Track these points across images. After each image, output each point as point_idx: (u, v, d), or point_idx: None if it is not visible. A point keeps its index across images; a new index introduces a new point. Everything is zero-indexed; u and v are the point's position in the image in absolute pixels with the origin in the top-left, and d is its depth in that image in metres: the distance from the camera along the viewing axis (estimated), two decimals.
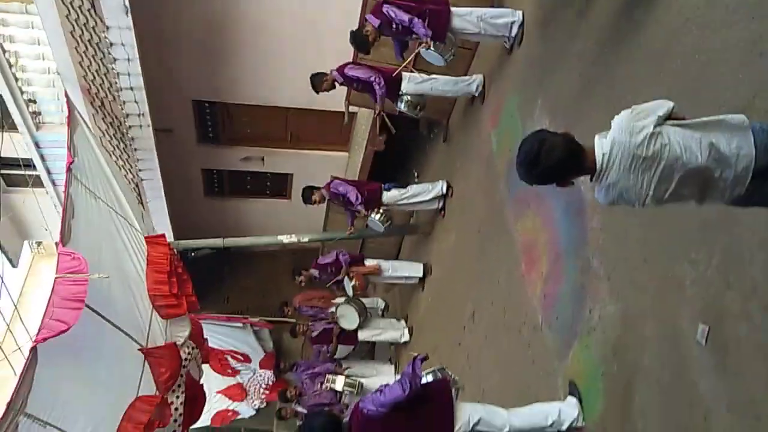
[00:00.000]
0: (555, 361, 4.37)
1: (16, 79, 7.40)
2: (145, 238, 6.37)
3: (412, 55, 5.68)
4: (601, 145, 2.15)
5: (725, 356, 2.85)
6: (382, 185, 7.16)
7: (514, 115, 5.50)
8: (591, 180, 2.21)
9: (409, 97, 6.12)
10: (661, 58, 3.46)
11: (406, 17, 5.17)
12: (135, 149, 7.96)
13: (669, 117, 2.20)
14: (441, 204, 7.35)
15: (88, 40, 6.41)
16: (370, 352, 9.56)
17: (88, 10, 6.07)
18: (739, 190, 2.14)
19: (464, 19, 5.25)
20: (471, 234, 6.37)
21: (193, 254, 7.76)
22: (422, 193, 7.26)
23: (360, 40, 5.47)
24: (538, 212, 4.85)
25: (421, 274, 7.95)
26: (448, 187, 7.20)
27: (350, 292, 7.96)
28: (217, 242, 7.85)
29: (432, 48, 5.29)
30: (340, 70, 6.10)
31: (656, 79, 3.50)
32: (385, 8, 5.22)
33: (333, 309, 8.02)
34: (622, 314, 3.65)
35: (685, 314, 3.12)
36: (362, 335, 8.24)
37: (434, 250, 7.78)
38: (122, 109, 7.29)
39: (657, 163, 2.07)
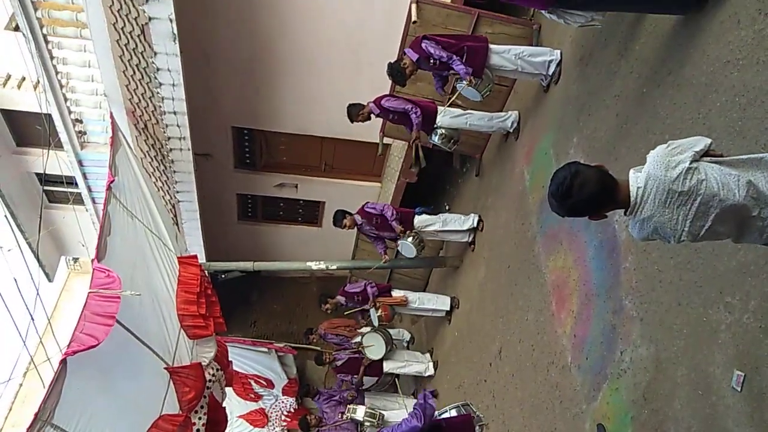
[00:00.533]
0: (583, 403, 4.26)
1: (66, 99, 7.70)
2: (178, 258, 6.49)
3: (456, 92, 5.74)
4: (636, 179, 2.13)
5: (762, 405, 2.75)
6: (415, 209, 7.22)
7: (548, 153, 5.49)
8: (625, 214, 2.19)
9: (443, 131, 6.18)
10: (702, 98, 3.44)
11: (444, 54, 5.25)
12: (174, 171, 8.16)
13: (706, 153, 2.18)
14: (471, 237, 7.33)
15: (136, 65, 6.67)
16: (393, 385, 9.45)
17: (138, 36, 6.33)
18: None
19: (502, 56, 5.31)
20: (501, 269, 6.31)
21: (223, 276, 7.86)
22: (453, 222, 7.26)
23: (397, 72, 5.57)
24: (570, 249, 4.79)
25: (448, 308, 7.88)
26: (479, 220, 7.18)
27: (376, 323, 7.93)
28: (248, 265, 7.94)
29: (470, 84, 5.35)
30: (377, 101, 6.20)
31: (696, 120, 3.48)
32: (425, 44, 5.32)
33: (359, 338, 7.99)
34: (654, 358, 3.56)
35: (719, 360, 3.03)
36: (387, 367, 8.17)
37: (462, 284, 7.72)
38: (164, 132, 7.51)
39: (693, 198, 2.04)
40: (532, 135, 6.02)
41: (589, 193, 2.14)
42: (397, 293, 7.81)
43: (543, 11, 4.12)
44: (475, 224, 7.19)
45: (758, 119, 3.03)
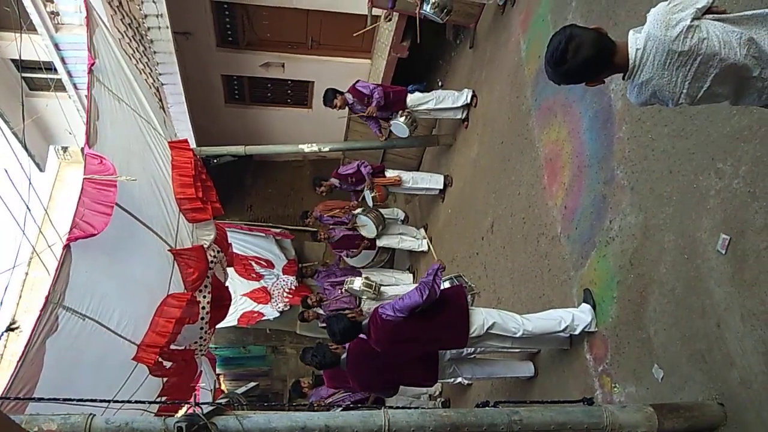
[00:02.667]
0: (571, 270, 4.44)
1: None
2: (169, 143, 6.42)
3: None
4: (636, 40, 2.05)
5: (744, 267, 2.87)
6: (407, 87, 7.08)
7: (545, 19, 5.28)
8: (624, 78, 2.13)
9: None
10: None
11: None
12: (154, 52, 7.83)
13: (709, 10, 2.09)
14: (465, 114, 7.23)
15: None
16: (389, 261, 9.76)
17: None
18: None
19: None
20: (494, 145, 6.30)
21: (215, 161, 7.82)
22: (446, 99, 7.14)
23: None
24: (565, 121, 4.76)
25: (441, 186, 7.96)
26: (473, 96, 7.05)
27: (370, 203, 8.03)
28: (239, 149, 7.88)
29: None
30: None
31: None
32: None
33: (352, 216, 8.13)
34: (643, 225, 3.65)
35: (706, 225, 3.12)
36: (381, 242, 8.40)
37: (456, 162, 7.75)
38: (140, 10, 7.11)
39: (693, 58, 1.97)
40: (529, 1, 5.75)
41: (584, 57, 2.07)
42: (390, 173, 7.84)
43: None
44: (469, 100, 7.06)
45: None
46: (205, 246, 6.04)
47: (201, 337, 6.11)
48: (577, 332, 4.07)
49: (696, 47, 1.98)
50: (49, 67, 8.73)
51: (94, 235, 4.20)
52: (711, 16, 2.07)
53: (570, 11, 4.77)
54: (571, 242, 4.49)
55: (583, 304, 4.14)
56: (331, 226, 8.41)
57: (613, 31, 4.04)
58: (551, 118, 4.99)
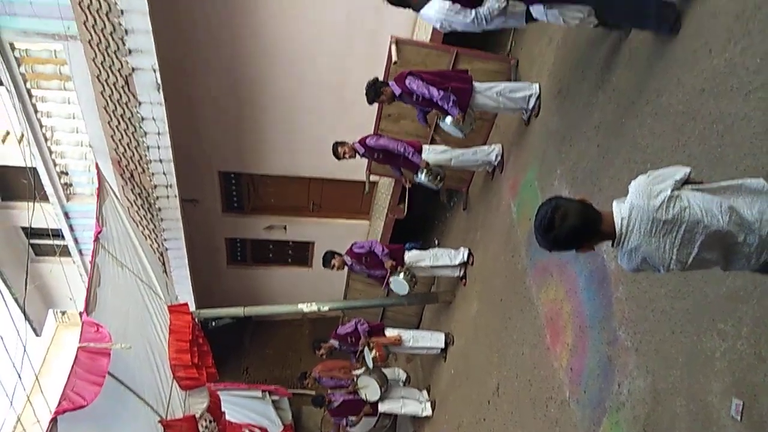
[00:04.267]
0: None
1: (51, 152, 7.71)
2: (169, 307, 6.41)
3: (439, 130, 5.74)
4: (620, 210, 2.15)
5: None
6: (404, 245, 7.21)
7: (533, 185, 5.53)
8: (612, 245, 2.19)
9: (429, 168, 6.21)
10: (681, 126, 3.49)
11: (427, 91, 5.29)
12: (161, 219, 8.13)
13: (686, 181, 2.20)
14: (462, 272, 7.31)
15: (121, 115, 6.70)
16: (392, 427, 9.26)
17: (122, 87, 6.38)
18: (766, 256, 2.10)
19: (484, 94, 5.38)
20: (493, 303, 6.28)
21: (214, 324, 7.75)
22: (444, 257, 7.25)
23: (372, 92, 5.49)
24: (561, 281, 4.79)
25: (443, 345, 7.80)
26: (470, 254, 7.18)
27: (370, 363, 7.81)
28: (238, 311, 7.84)
29: (456, 124, 5.40)
30: (362, 141, 6.24)
31: (676, 147, 3.52)
32: (408, 80, 5.34)
33: (353, 379, 7.87)
34: (652, 389, 3.52)
35: (716, 389, 3.01)
36: (382, 407, 8.02)
37: (456, 320, 7.67)
38: (151, 181, 7.51)
39: (678, 226, 2.05)
40: (516, 168, 6.08)
41: (570, 226, 2.14)
42: (390, 332, 7.72)
43: (540, 11, 4.05)
44: (466, 258, 7.18)
45: (736, 145, 3.08)
46: (197, 415, 5.77)
47: None
48: None
49: (679, 216, 2.06)
50: (57, 234, 9.00)
51: (84, 406, 4.05)
52: (690, 186, 2.19)
53: (556, 177, 5.02)
54: (581, 407, 4.30)
55: None
56: (330, 390, 8.09)
57: (598, 196, 4.24)
58: (547, 278, 5.03)
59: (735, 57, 3.13)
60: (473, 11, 4.29)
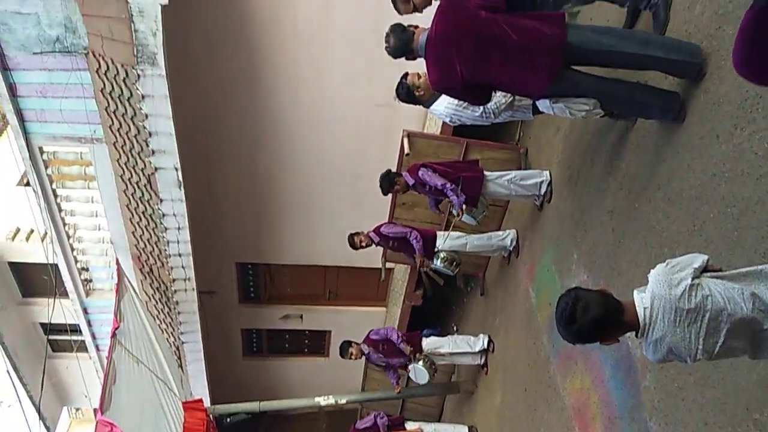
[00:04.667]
0: None
1: (73, 249, 7.86)
2: (183, 404, 6.30)
3: (453, 217, 5.84)
4: (641, 300, 2.13)
5: None
6: (422, 331, 7.10)
7: (550, 270, 5.51)
8: (636, 336, 2.16)
9: (444, 254, 6.24)
10: (695, 210, 3.50)
11: (440, 182, 5.42)
12: (178, 312, 8.13)
13: (705, 269, 2.19)
14: (483, 359, 7.14)
15: (142, 212, 6.89)
16: None
17: (144, 185, 6.59)
18: None
19: (495, 182, 5.49)
20: (517, 393, 6.09)
21: (229, 420, 7.56)
22: (463, 343, 7.12)
23: (387, 183, 5.63)
24: (586, 370, 4.66)
25: None
26: (490, 341, 7.04)
27: None
28: (254, 406, 7.66)
29: (465, 213, 5.49)
30: (377, 230, 6.32)
31: (692, 231, 3.52)
32: (421, 171, 5.51)
33: None
34: None
35: None
36: None
37: (479, 411, 7.41)
38: (169, 275, 7.58)
39: (702, 315, 2.03)
40: (532, 252, 6.07)
41: (593, 317, 2.13)
42: (411, 425, 7.46)
43: (546, 105, 4.18)
44: (486, 345, 7.03)
45: (753, 228, 3.07)
46: None
47: None
48: None
49: (702, 304, 2.05)
50: (75, 329, 9.01)
51: None
52: (709, 274, 2.18)
53: (573, 262, 5.00)
54: None
55: None
56: None
57: (617, 281, 4.20)
58: (572, 366, 4.90)
59: (743, 142, 3.19)
60: (481, 106, 4.46)
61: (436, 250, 6.26)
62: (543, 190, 5.64)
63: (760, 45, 1.32)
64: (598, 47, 3.37)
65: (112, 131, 6.12)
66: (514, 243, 6.49)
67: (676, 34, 3.63)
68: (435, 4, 3.78)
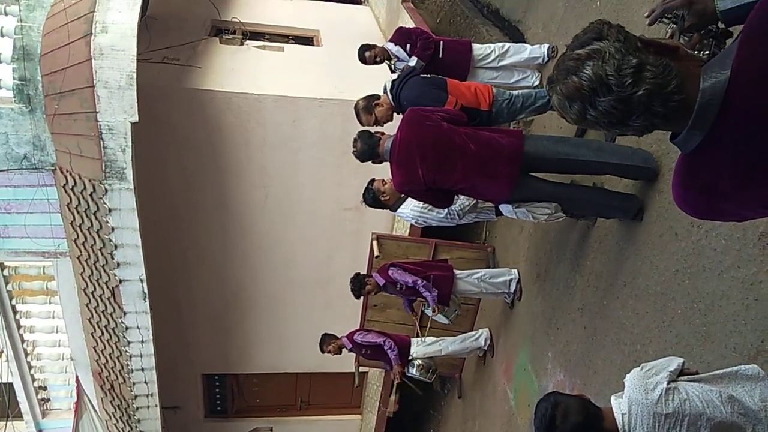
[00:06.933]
0: None
1: (30, 367, 7.48)
2: None
3: (428, 320, 5.81)
4: (619, 405, 2.12)
5: None
6: None
7: (527, 369, 5.44)
8: None
9: (420, 362, 6.13)
10: (662, 306, 3.56)
11: (410, 279, 5.44)
12: (140, 431, 7.66)
13: (681, 373, 2.19)
14: None
15: (105, 326, 6.64)
16: None
17: (108, 298, 6.41)
18: None
19: (466, 281, 5.53)
20: None
21: None
22: None
23: (357, 287, 5.62)
24: None
25: None
26: None
27: None
28: None
29: (437, 312, 5.48)
30: (350, 336, 6.21)
31: (662, 327, 3.55)
32: (391, 270, 5.53)
33: None
34: None
35: None
36: None
37: None
38: (131, 391, 7.21)
39: (681, 420, 2.01)
40: (507, 351, 6.01)
41: (573, 424, 2.11)
42: None
43: (508, 210, 4.27)
44: None
45: (720, 323, 3.12)
46: None
47: None
48: None
49: (680, 408, 2.03)
50: None
51: None
52: (685, 378, 2.18)
53: (548, 361, 4.96)
54: None
55: None
56: None
57: (593, 379, 4.17)
58: None
59: (701, 239, 3.31)
60: (445, 209, 4.58)
61: (410, 357, 6.15)
62: (513, 288, 5.69)
63: (691, 190, 1.38)
64: (554, 156, 3.56)
65: (76, 245, 6.02)
66: (489, 342, 6.43)
67: (627, 141, 3.86)
68: (397, 120, 3.98)
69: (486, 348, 6.46)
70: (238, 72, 7.05)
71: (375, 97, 4.40)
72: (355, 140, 4.08)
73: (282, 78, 7.20)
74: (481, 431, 6.64)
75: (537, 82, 5.17)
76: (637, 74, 1.23)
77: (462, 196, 4.55)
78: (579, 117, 1.32)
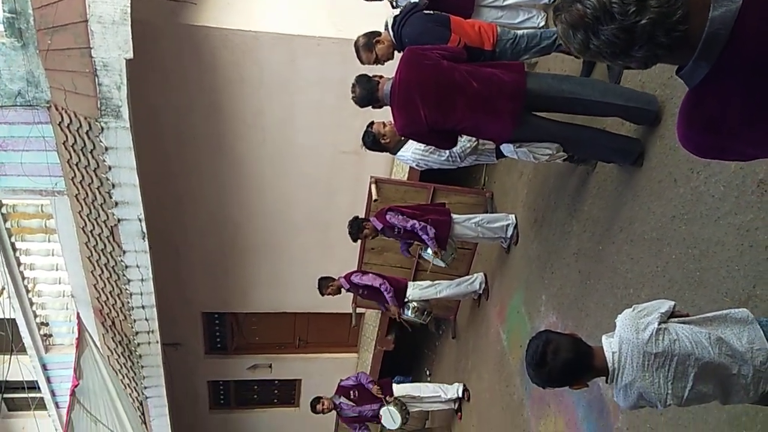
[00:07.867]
0: None
1: (32, 304, 7.59)
2: None
3: (426, 262, 5.89)
4: (610, 344, 2.17)
5: None
6: (392, 378, 7.00)
7: (520, 311, 5.55)
8: (606, 381, 2.18)
9: (415, 304, 6.24)
10: (657, 251, 3.59)
11: (408, 223, 5.47)
12: (142, 366, 7.85)
13: (672, 315, 2.24)
14: (457, 405, 7.06)
15: (104, 264, 6.70)
16: None
17: (107, 237, 6.44)
18: (764, 385, 2.09)
19: (463, 225, 5.56)
20: None
21: None
22: (436, 390, 7.03)
23: (355, 229, 5.68)
24: (559, 412, 4.65)
25: None
26: (465, 389, 6.95)
27: None
28: None
29: (436, 255, 5.53)
30: (347, 277, 6.29)
31: (656, 272, 3.60)
32: (389, 215, 5.55)
33: None
34: None
35: None
36: None
37: None
38: (132, 328, 7.35)
39: (669, 359, 2.06)
40: (502, 294, 6.11)
41: (563, 360, 2.16)
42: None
43: (510, 150, 4.26)
44: (460, 394, 6.94)
45: (714, 269, 3.16)
46: None
47: None
48: None
49: (669, 348, 2.08)
50: (32, 386, 8.61)
51: None
52: (676, 319, 2.22)
53: (542, 303, 5.05)
54: None
55: None
56: None
57: (586, 322, 4.26)
58: (545, 408, 4.89)
59: (700, 186, 3.31)
60: (447, 150, 4.54)
61: (406, 300, 6.25)
62: (509, 233, 5.73)
63: (697, 126, 1.36)
64: (558, 93, 3.49)
65: (74, 183, 6.00)
66: (483, 285, 6.53)
67: (630, 84, 3.80)
68: (397, 58, 3.89)
69: (481, 291, 6.57)
70: (234, 6, 6.83)
71: (376, 34, 4.28)
72: (354, 85, 4.00)
73: (279, 13, 6.97)
74: (473, 370, 6.82)
75: (542, 23, 5.04)
76: (640, 2, 1.19)
77: (463, 137, 4.51)
78: (582, 47, 1.29)
